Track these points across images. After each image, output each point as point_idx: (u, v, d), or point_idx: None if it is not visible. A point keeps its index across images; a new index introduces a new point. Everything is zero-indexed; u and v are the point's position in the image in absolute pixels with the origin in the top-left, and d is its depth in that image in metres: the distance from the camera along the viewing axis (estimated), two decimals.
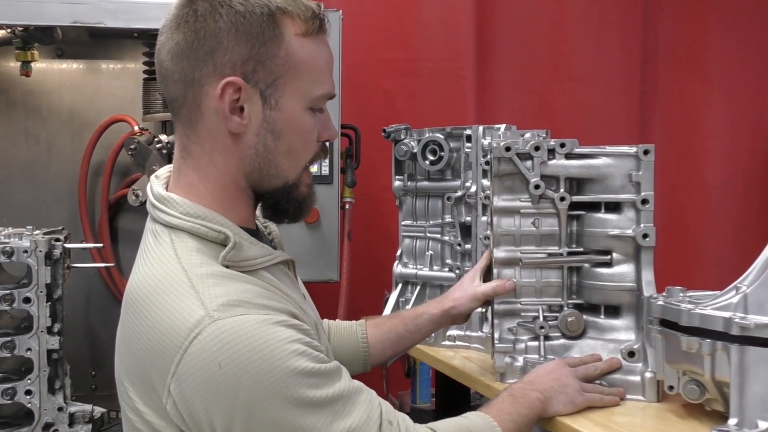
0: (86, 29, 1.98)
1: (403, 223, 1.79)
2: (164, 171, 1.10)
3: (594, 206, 1.30)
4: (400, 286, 1.77)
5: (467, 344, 1.62)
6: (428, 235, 1.74)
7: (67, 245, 1.77)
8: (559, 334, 1.31)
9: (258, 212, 1.12)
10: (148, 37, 2.18)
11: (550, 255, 1.31)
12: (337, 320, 1.47)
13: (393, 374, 2.12)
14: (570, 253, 1.31)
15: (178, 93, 1.00)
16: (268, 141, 1.01)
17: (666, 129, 2.86)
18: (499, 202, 1.34)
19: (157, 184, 1.06)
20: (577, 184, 1.31)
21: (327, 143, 1.10)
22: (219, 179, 1.02)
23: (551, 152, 1.30)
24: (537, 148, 1.30)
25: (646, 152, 1.25)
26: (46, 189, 2.32)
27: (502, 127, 1.60)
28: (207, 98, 0.99)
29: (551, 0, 2.76)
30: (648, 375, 1.20)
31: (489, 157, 1.38)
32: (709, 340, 1.04)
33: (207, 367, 0.88)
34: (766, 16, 2.90)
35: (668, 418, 1.15)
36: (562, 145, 1.30)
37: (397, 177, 1.78)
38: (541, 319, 1.31)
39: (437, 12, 2.67)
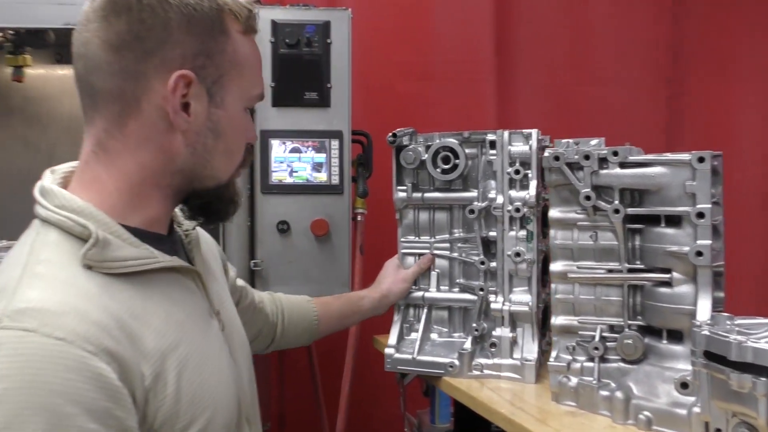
0: None
1: (402, 239, 1.61)
2: (65, 165, 1.00)
3: (656, 219, 1.18)
4: (402, 309, 1.60)
5: (497, 373, 1.43)
6: (434, 252, 1.58)
7: None
8: (617, 357, 1.20)
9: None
10: None
11: (609, 271, 1.22)
12: (287, 295, 1.55)
13: (411, 392, 2.00)
14: (630, 270, 1.20)
15: (113, 86, 0.92)
16: (209, 140, 0.96)
17: (695, 134, 2.75)
18: (555, 213, 1.28)
19: (48, 177, 0.97)
20: (639, 195, 1.21)
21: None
22: (134, 176, 0.94)
23: (604, 161, 1.21)
24: (587, 157, 1.21)
25: (700, 160, 1.13)
26: None
27: (534, 132, 1.44)
28: (150, 92, 0.92)
29: None
30: (695, 410, 1.07)
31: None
32: (764, 379, 0.91)
33: None
34: None
35: None
36: (615, 153, 1.20)
37: (399, 188, 1.58)
38: (597, 339, 1.21)
39: (454, 11, 2.57)
